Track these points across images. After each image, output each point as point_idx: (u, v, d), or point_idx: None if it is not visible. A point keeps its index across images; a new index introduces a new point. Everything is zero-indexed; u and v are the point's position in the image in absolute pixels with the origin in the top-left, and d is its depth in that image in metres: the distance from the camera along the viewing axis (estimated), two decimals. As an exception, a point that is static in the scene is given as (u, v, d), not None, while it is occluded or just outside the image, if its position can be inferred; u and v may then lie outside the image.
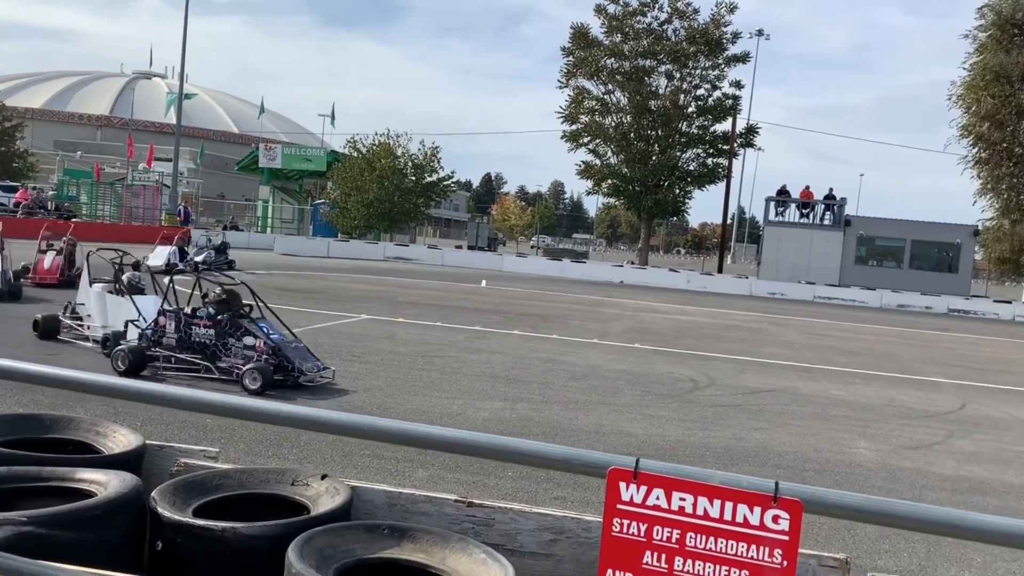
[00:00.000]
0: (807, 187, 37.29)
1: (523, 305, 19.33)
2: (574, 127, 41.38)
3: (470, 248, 47.29)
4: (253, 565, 2.36)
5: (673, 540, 1.45)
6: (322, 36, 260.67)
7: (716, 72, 40.18)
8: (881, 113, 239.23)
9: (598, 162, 41.85)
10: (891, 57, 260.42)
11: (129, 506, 2.46)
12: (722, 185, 41.58)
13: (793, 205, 37.26)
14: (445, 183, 44.01)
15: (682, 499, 1.44)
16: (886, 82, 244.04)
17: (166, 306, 8.27)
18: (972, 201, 38.83)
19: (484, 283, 25.73)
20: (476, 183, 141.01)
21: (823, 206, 36.86)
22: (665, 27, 39.88)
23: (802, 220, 37.15)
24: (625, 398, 9.05)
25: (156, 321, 8.22)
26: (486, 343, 12.26)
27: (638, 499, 1.47)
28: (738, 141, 41.55)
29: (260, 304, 8.37)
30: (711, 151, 41.51)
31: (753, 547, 1.40)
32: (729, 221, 49.71)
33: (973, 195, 38.66)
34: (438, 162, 42.15)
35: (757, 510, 1.39)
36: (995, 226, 38.52)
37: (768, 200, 37.67)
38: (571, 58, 40.97)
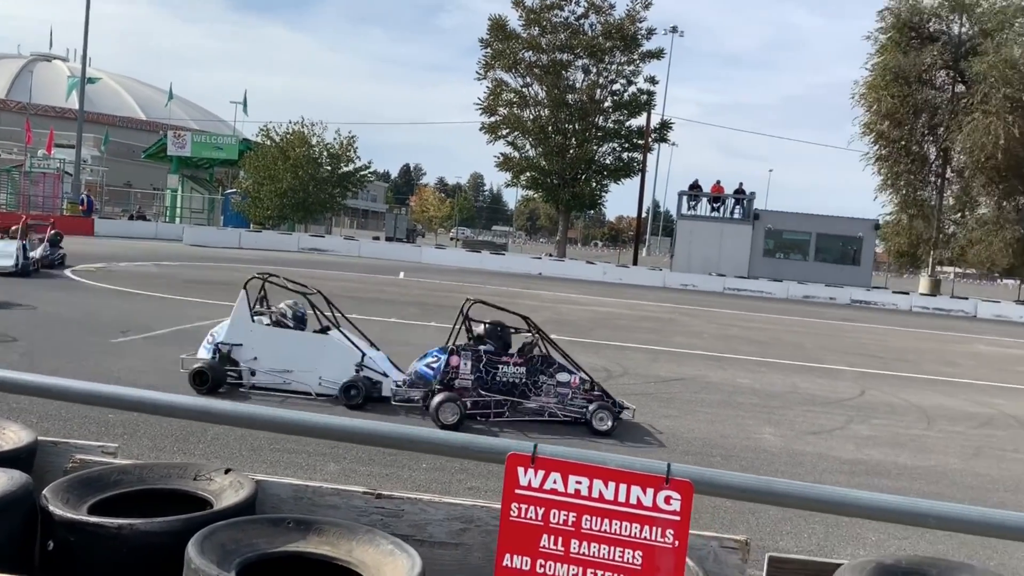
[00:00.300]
0: (718, 182, 38.32)
1: (441, 297, 19.28)
2: (492, 119, 41.41)
3: (388, 239, 46.85)
4: (152, 562, 2.29)
5: (569, 523, 1.48)
6: (234, 20, 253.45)
7: (631, 67, 40.77)
8: (790, 110, 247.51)
9: (516, 154, 42.02)
10: (799, 56, 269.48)
11: (17, 505, 2.36)
12: (637, 179, 42.35)
13: (705, 199, 38.21)
14: (362, 173, 43.47)
15: (578, 482, 1.46)
16: (795, 81, 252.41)
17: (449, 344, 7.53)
18: (873, 196, 40.69)
19: (402, 275, 25.55)
20: (395, 174, 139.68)
21: (733, 200, 37.91)
22: (582, 21, 40.25)
23: (713, 214, 38.13)
24: (540, 388, 9.13)
25: (448, 361, 7.32)
26: (402, 335, 12.19)
27: (536, 483, 1.50)
28: (652, 136, 42.32)
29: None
30: (626, 145, 42.15)
31: (646, 528, 1.44)
32: (644, 215, 50.66)
33: (874, 190, 40.57)
34: (355, 152, 41.62)
35: (650, 491, 1.43)
36: (894, 220, 40.44)
37: (681, 194, 38.53)
38: (489, 50, 40.96)
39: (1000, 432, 9.25)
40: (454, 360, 7.35)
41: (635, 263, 40.72)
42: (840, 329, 20.89)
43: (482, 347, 7.53)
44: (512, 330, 7.82)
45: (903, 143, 38.49)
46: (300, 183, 38.99)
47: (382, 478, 5.40)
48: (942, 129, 37.27)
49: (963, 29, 37.55)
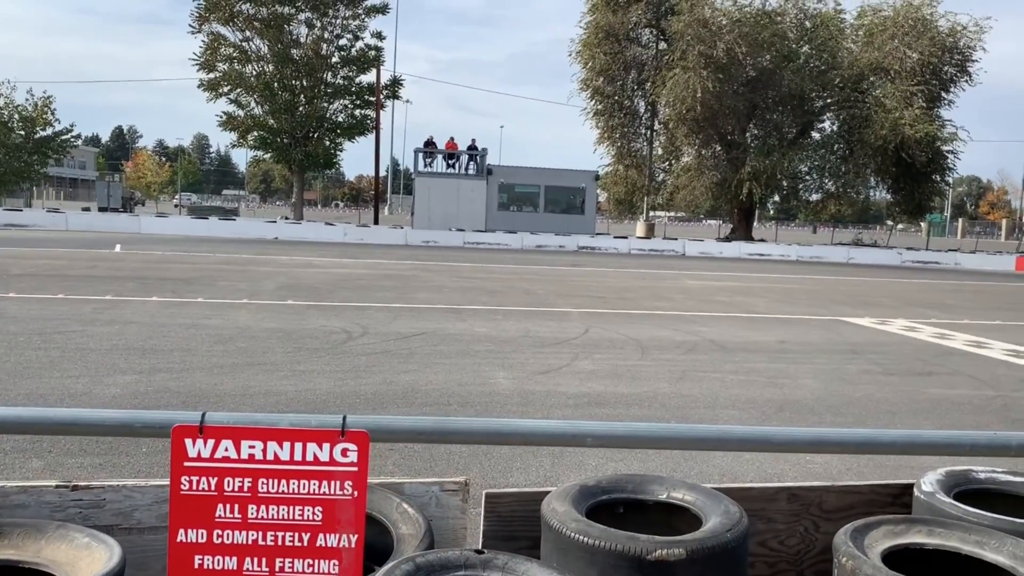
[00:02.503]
0: (451, 138, 39.03)
1: (164, 269, 17.96)
2: (211, 76, 38.90)
3: (101, 210, 42.65)
4: None
5: (245, 489, 1.44)
6: None
7: (357, 22, 40.06)
8: (516, 67, 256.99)
9: (241, 113, 39.89)
10: (522, 14, 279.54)
11: None
12: (373, 137, 41.92)
13: (440, 156, 38.77)
14: (64, 138, 39.21)
15: (251, 447, 1.42)
16: (519, 38, 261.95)
17: None
18: (593, 149, 43.55)
19: (119, 248, 23.46)
20: (106, 138, 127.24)
21: (467, 156, 38.82)
22: (301, -26, 38.77)
23: (449, 170, 38.83)
24: (276, 356, 8.85)
25: None
26: (118, 313, 11.23)
27: (206, 454, 1.44)
28: (384, 93, 42.01)
29: None
30: (358, 102, 41.53)
31: (324, 483, 1.44)
32: (384, 173, 50.39)
33: (594, 143, 43.40)
34: (52, 114, 37.38)
35: (326, 446, 1.43)
36: (612, 171, 43.64)
37: (416, 151, 38.78)
38: (202, 1, 38.24)
39: (703, 356, 10.38)
40: None
41: (376, 222, 40.50)
42: (568, 274, 22.26)
43: None
44: None
45: (616, 98, 41.44)
46: (-13, 150, 34.42)
47: (95, 468, 4.96)
48: (649, 84, 40.50)
49: (662, -10, 40.85)
